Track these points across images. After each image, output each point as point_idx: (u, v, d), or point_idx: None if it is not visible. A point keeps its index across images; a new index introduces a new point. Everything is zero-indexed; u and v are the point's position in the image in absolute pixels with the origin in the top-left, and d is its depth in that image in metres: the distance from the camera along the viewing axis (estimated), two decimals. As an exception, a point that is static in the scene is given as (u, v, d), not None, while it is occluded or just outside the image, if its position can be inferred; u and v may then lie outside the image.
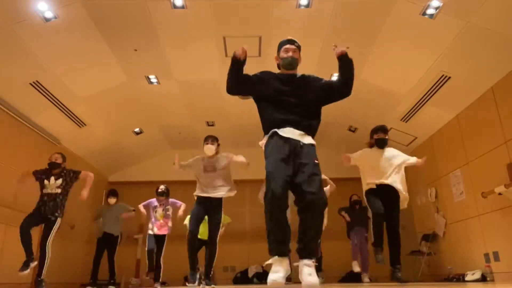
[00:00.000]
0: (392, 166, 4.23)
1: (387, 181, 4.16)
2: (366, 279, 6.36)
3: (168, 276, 6.80)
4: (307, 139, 2.57)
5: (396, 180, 4.18)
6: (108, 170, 8.72)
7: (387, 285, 4.10)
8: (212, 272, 4.43)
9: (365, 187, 4.36)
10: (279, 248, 2.36)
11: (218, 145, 4.58)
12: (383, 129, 4.39)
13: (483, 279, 5.12)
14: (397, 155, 4.36)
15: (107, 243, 6.18)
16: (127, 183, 8.74)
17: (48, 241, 4.36)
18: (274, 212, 2.35)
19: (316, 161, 2.50)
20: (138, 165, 8.97)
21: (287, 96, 2.64)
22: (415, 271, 6.81)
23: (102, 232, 6.21)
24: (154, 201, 5.87)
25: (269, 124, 2.62)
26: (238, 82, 2.71)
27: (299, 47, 2.82)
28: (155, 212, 5.74)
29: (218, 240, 4.41)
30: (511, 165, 4.75)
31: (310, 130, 2.63)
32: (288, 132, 2.52)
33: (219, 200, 4.40)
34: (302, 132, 2.55)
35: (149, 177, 8.71)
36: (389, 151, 4.36)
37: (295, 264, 2.40)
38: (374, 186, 4.22)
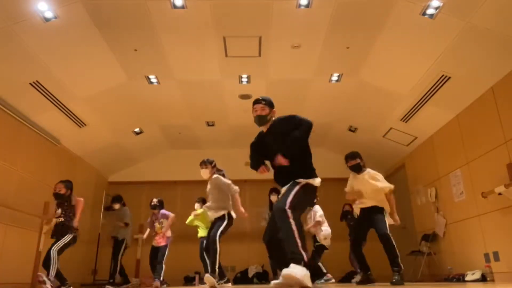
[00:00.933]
0: (371, 188, 4.53)
1: (368, 204, 4.51)
2: (357, 278, 6.41)
3: (168, 276, 6.79)
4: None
5: (374, 198, 4.50)
6: (108, 170, 8.72)
7: (385, 285, 4.10)
8: (216, 270, 4.48)
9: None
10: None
11: (213, 167, 4.83)
12: (351, 156, 4.69)
13: (483, 279, 5.12)
14: (376, 180, 4.60)
15: (113, 246, 6.43)
16: (127, 183, 8.74)
17: (53, 247, 4.63)
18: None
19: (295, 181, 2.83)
20: (138, 165, 8.97)
21: (273, 153, 2.95)
22: (415, 271, 6.81)
23: (110, 236, 6.50)
24: (150, 217, 6.21)
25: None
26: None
27: (267, 103, 3.10)
28: (154, 227, 6.04)
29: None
30: (511, 165, 4.75)
31: (296, 174, 2.87)
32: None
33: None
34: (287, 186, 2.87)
35: (149, 177, 8.72)
36: (367, 175, 4.63)
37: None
38: (358, 212, 4.66)
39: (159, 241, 5.90)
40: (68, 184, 4.96)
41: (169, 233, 5.94)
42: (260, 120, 3.08)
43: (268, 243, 2.91)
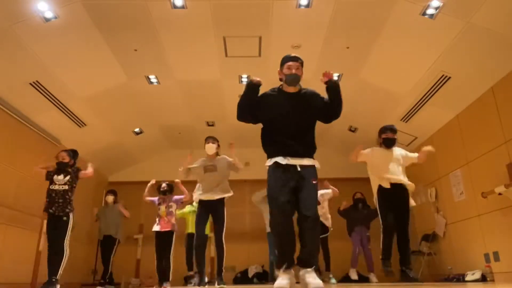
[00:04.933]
0: (401, 166, 4.30)
1: (398, 180, 4.20)
2: (374, 279, 6.32)
3: (168, 276, 6.79)
4: (306, 161, 2.78)
5: (403, 180, 4.25)
6: (108, 170, 8.71)
7: (390, 285, 4.09)
8: (223, 271, 4.45)
9: (376, 186, 4.34)
10: (284, 261, 2.60)
11: (218, 146, 4.69)
12: (391, 129, 4.43)
13: (483, 279, 5.12)
14: (404, 154, 4.43)
15: (106, 244, 6.25)
16: (127, 183, 8.73)
17: (65, 240, 4.35)
18: (280, 225, 2.64)
19: (314, 182, 2.72)
20: (138, 165, 8.96)
21: (289, 117, 2.82)
22: (415, 271, 6.80)
23: (102, 235, 6.28)
24: (155, 199, 5.81)
25: (270, 146, 2.85)
26: (250, 103, 2.92)
27: (302, 64, 2.92)
28: (159, 209, 5.65)
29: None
30: (511, 165, 4.75)
31: (309, 150, 2.84)
32: (287, 160, 2.73)
33: (221, 201, 4.50)
34: (300, 158, 2.77)
35: (149, 177, 8.60)
36: (397, 151, 4.42)
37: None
38: (388, 186, 4.20)
39: (166, 226, 5.47)
40: (71, 153, 4.68)
41: (174, 220, 5.56)
42: (295, 79, 2.86)
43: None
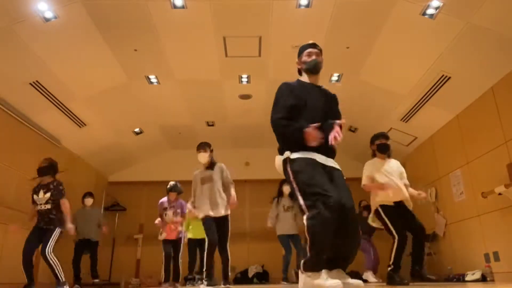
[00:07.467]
0: (398, 176, 4.16)
1: (402, 197, 4.08)
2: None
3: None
4: (332, 163, 2.59)
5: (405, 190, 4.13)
6: (108, 170, 8.71)
7: (385, 286, 4.09)
8: (229, 275, 4.46)
9: (376, 204, 4.13)
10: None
11: (211, 151, 4.53)
12: (384, 135, 4.30)
13: (483, 279, 5.12)
14: (399, 168, 4.26)
15: (86, 248, 6.17)
16: (127, 183, 8.74)
17: (46, 249, 4.21)
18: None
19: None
20: (138, 165, 8.97)
21: (319, 107, 2.64)
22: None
23: (79, 238, 6.10)
24: (164, 202, 5.66)
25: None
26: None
27: (321, 51, 2.79)
28: (165, 215, 5.54)
29: None
30: (511, 165, 4.75)
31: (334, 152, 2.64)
32: (320, 158, 2.50)
33: (226, 217, 4.36)
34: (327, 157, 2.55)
35: (149, 177, 8.71)
36: (392, 163, 4.26)
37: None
38: (391, 203, 4.06)
39: (172, 235, 5.40)
40: (52, 160, 4.49)
41: (181, 227, 5.50)
42: (317, 66, 2.69)
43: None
